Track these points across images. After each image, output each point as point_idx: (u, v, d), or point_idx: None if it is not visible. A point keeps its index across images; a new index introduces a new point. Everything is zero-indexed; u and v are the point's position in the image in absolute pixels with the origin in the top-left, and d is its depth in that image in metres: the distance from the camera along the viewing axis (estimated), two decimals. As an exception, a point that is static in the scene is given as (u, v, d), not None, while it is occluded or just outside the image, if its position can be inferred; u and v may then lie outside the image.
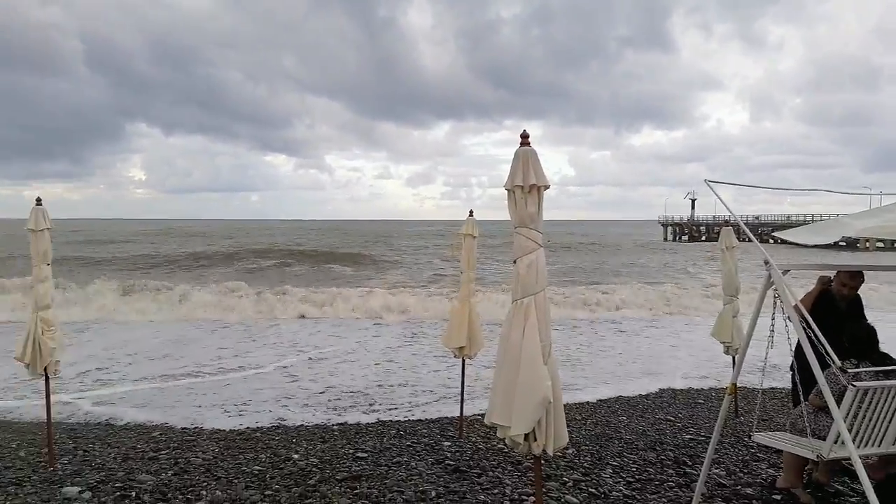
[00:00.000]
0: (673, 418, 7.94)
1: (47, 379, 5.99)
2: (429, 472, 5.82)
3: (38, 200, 6.09)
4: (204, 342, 14.11)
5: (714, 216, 75.97)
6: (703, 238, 74.95)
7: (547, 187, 3.45)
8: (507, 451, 6.17)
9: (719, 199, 4.70)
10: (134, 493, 5.23)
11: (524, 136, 3.47)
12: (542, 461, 5.92)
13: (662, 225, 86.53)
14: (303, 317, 17.88)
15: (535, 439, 3.37)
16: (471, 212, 7.17)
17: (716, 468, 5.91)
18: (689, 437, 7.07)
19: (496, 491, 5.31)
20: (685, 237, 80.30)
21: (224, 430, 7.42)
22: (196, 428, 7.55)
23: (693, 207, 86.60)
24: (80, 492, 5.22)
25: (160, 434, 7.23)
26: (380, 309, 18.17)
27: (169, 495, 5.22)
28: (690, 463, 6.05)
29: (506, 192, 3.50)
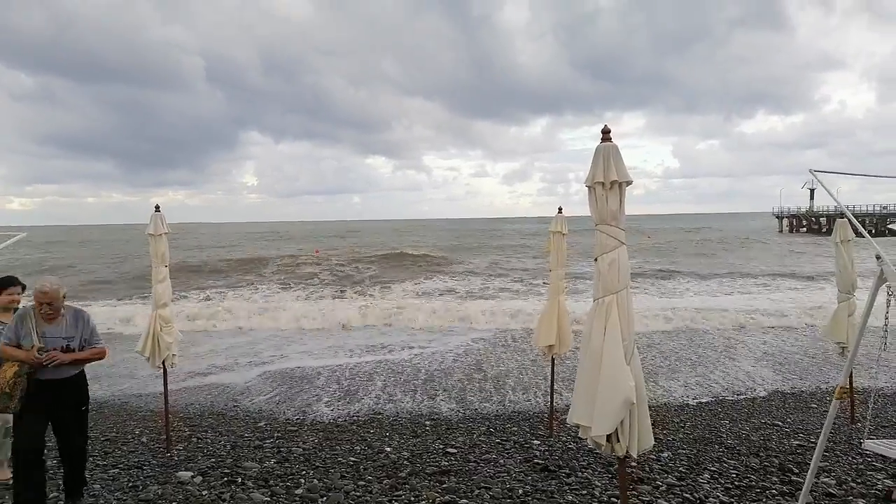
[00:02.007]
0: (781, 423, 7.47)
1: (165, 371, 6.53)
2: (517, 469, 5.83)
3: (157, 207, 6.64)
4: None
5: (836, 206, 70.13)
6: (824, 230, 69.44)
7: (629, 183, 3.38)
8: (597, 451, 6.05)
9: (826, 189, 4.41)
10: (240, 479, 5.61)
11: (605, 132, 3.43)
12: (636, 464, 5.82)
13: (777, 217, 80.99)
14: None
15: (619, 440, 3.31)
16: (560, 209, 7.09)
17: (825, 477, 5.53)
18: (797, 443, 6.63)
19: (584, 492, 5.24)
20: (803, 229, 74.75)
21: (324, 422, 7.76)
22: (299, 419, 7.94)
23: (812, 198, 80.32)
24: (192, 476, 5.67)
25: (266, 424, 7.67)
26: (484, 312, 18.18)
27: (270, 482, 5.55)
28: (797, 470, 5.69)
29: (586, 189, 3.46)
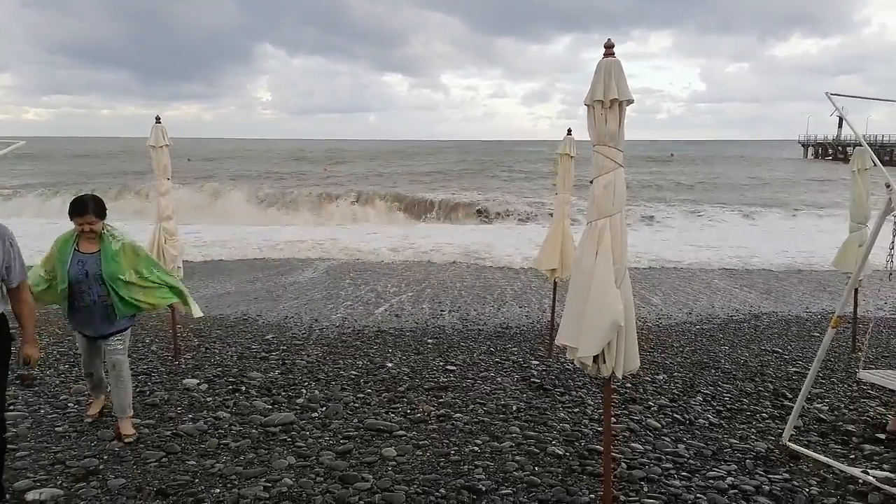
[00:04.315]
0: (781, 350, 7.51)
1: (171, 284, 6.65)
2: (513, 387, 5.96)
3: (158, 119, 6.57)
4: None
5: (865, 135, 67.83)
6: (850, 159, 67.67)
7: (630, 102, 3.24)
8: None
9: (840, 114, 4.22)
10: (244, 388, 5.80)
11: (608, 46, 3.25)
12: (630, 385, 5.92)
13: (803, 145, 78.93)
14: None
15: (605, 361, 3.34)
16: (569, 130, 6.91)
17: (818, 402, 5.60)
18: (795, 370, 6.69)
19: (577, 410, 5.36)
20: (829, 158, 72.89)
21: (329, 337, 7.94)
22: (305, 333, 8.12)
23: (840, 126, 77.78)
24: (199, 384, 5.87)
25: (273, 337, 7.86)
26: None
27: (273, 391, 5.74)
28: (791, 396, 5.76)
29: (585, 107, 3.34)
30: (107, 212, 4.48)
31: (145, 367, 6.33)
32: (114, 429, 4.66)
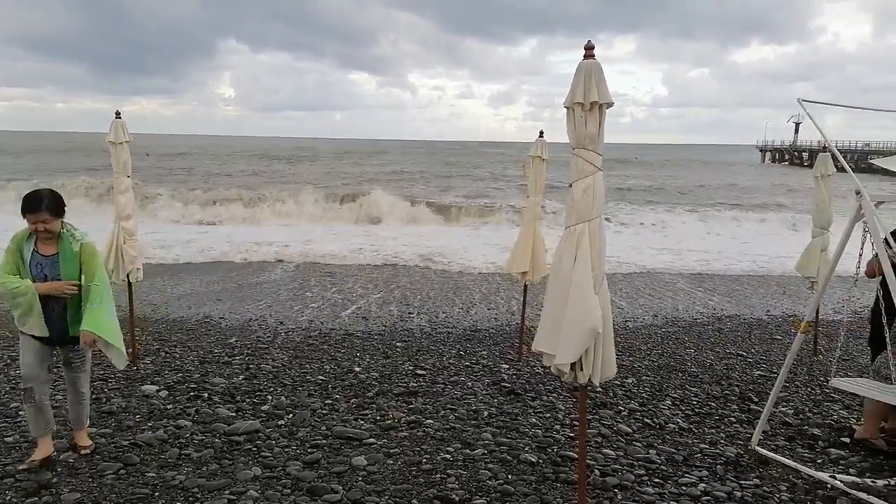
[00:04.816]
0: (745, 353, 7.62)
1: (130, 286, 6.40)
2: (484, 392, 5.90)
3: (118, 114, 6.30)
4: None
5: (820, 141, 69.91)
6: (806, 164, 69.74)
7: (610, 105, 3.19)
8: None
9: (812, 121, 4.25)
10: (206, 394, 5.60)
11: (588, 48, 3.19)
12: (600, 389, 5.91)
13: (761, 150, 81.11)
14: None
15: (582, 369, 3.28)
16: (541, 132, 6.91)
17: (783, 406, 5.67)
18: (759, 373, 6.79)
19: (548, 415, 5.32)
20: (785, 163, 75.06)
21: (295, 341, 7.75)
22: (269, 337, 7.92)
23: (797, 132, 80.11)
24: (158, 390, 5.65)
25: (236, 340, 7.64)
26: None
27: (237, 398, 5.55)
28: (757, 400, 5.83)
29: (565, 110, 3.28)
30: (65, 209, 4.04)
31: (101, 372, 6.05)
32: (68, 439, 4.43)
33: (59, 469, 4.02)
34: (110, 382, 5.80)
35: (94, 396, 5.37)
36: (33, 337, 4.06)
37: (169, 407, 5.26)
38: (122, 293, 6.64)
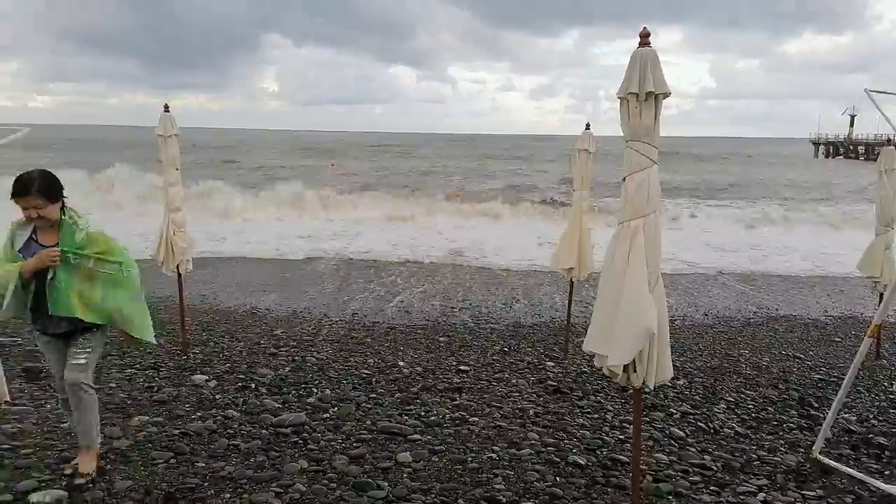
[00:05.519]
0: (803, 356, 7.32)
1: (179, 276, 6.52)
2: (529, 390, 5.80)
3: (166, 107, 6.39)
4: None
5: (877, 134, 66.81)
6: (862, 158, 66.87)
7: (667, 95, 3.05)
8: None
9: (880, 111, 4.02)
10: (253, 385, 5.66)
11: (644, 35, 3.05)
12: (649, 391, 5.74)
13: (814, 143, 78.16)
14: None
15: (635, 371, 3.16)
16: (587, 125, 6.75)
17: (846, 413, 5.41)
18: (818, 377, 6.50)
19: (596, 416, 5.19)
20: (840, 157, 72.18)
21: (340, 334, 7.79)
22: (315, 329, 7.98)
23: (852, 124, 76.94)
24: (207, 380, 5.73)
25: (282, 332, 7.73)
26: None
27: (284, 389, 5.59)
28: (817, 405, 5.58)
29: (618, 101, 3.15)
30: (62, 192, 3.56)
31: (153, 361, 6.19)
32: (121, 425, 4.51)
33: (111, 456, 4.09)
34: (161, 371, 5.92)
35: (146, 385, 5.49)
36: (43, 333, 3.69)
37: (218, 397, 5.33)
38: (172, 284, 6.78)
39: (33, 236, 3.57)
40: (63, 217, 3.57)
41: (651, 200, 3.11)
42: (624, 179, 3.15)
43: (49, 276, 3.52)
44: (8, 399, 4.87)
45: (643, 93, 2.98)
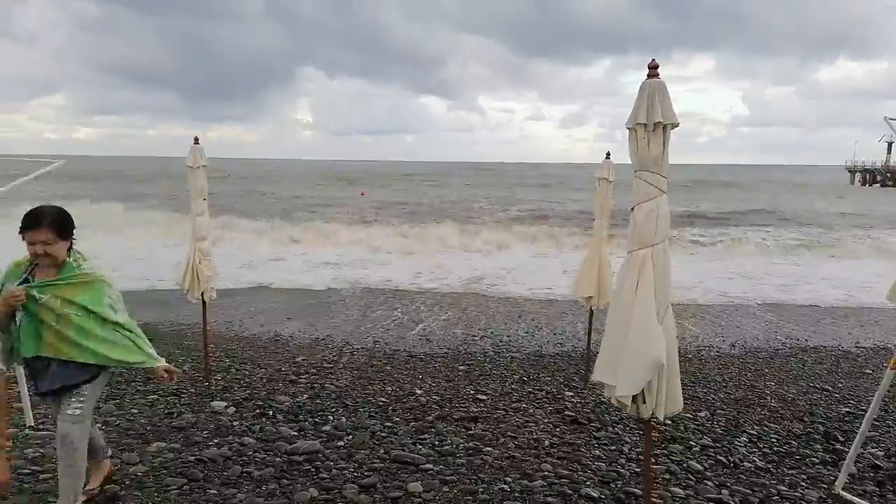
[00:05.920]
0: (831, 388, 7.11)
1: (204, 304, 6.65)
2: (546, 420, 5.74)
3: (196, 140, 6.60)
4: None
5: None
6: (901, 185, 65.32)
7: (675, 126, 3.07)
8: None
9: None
10: (271, 412, 5.71)
11: (652, 67, 3.09)
12: (670, 422, 5.63)
13: (850, 171, 76.67)
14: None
15: (644, 401, 3.13)
16: (608, 153, 6.76)
17: (873, 447, 5.23)
18: (847, 410, 6.30)
19: (613, 447, 5.11)
20: (877, 185, 70.58)
21: (360, 361, 7.82)
22: (335, 357, 8.03)
23: (889, 151, 75.34)
24: (226, 406, 5.80)
25: (303, 359, 7.79)
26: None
27: (300, 417, 5.63)
28: (843, 439, 5.40)
29: (627, 131, 3.18)
30: (73, 232, 3.41)
31: (175, 387, 6.29)
32: (138, 452, 4.58)
33: (127, 482, 4.16)
34: (183, 398, 6.02)
35: (166, 410, 5.58)
36: (36, 392, 3.52)
37: (235, 423, 5.38)
38: (197, 311, 6.91)
39: (29, 277, 3.34)
40: (68, 259, 3.38)
41: (659, 230, 3.11)
42: (632, 209, 3.16)
43: (18, 317, 3.31)
44: (32, 424, 5.01)
45: (651, 123, 3.02)
